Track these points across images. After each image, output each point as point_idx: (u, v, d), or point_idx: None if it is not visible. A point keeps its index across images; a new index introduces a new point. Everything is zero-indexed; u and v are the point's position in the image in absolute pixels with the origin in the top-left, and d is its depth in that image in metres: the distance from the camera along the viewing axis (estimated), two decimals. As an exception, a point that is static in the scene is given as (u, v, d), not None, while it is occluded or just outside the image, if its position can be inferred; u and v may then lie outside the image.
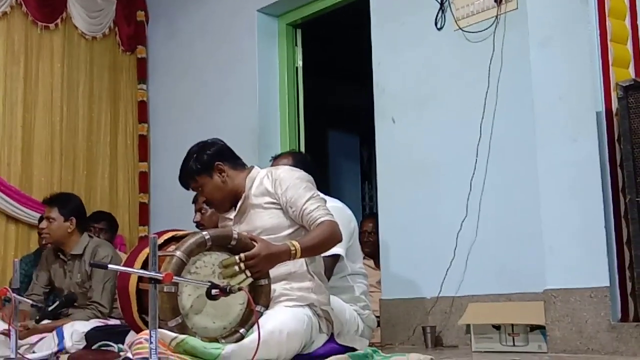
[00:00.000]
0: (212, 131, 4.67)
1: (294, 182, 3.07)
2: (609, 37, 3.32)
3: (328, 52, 6.64)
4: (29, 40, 5.86)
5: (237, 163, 3.23)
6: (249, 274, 2.78)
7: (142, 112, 6.45)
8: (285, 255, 2.86)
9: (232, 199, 3.18)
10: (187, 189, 3.23)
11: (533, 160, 3.48)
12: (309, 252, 2.96)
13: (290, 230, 3.07)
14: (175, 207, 5.64)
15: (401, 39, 4.56)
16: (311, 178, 3.17)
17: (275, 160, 3.97)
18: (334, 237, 3.02)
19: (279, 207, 3.08)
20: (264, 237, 2.95)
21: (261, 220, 3.07)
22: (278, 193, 3.07)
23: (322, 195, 3.17)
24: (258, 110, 5.47)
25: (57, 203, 4.30)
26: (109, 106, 6.31)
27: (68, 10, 6.07)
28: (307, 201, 3.02)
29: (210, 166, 3.15)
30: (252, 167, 3.25)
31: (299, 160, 3.86)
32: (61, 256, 4.31)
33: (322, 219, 2.99)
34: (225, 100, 5.74)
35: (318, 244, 2.98)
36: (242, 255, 2.78)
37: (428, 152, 4.34)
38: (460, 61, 4.25)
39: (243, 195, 3.13)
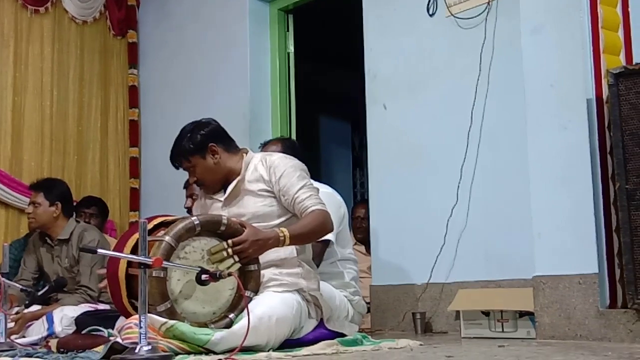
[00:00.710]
0: (203, 116, 4.65)
1: (288, 170, 3.08)
2: (600, 24, 3.32)
3: (320, 38, 6.62)
4: (19, 24, 5.80)
5: (230, 145, 3.22)
6: (237, 259, 2.79)
7: (133, 97, 6.41)
8: (274, 241, 2.87)
9: (223, 180, 3.17)
10: (178, 168, 3.22)
11: (523, 147, 3.48)
12: (298, 239, 2.96)
13: (281, 219, 3.07)
14: (166, 193, 5.64)
15: (393, 25, 4.56)
16: (305, 167, 3.18)
17: (264, 146, 3.97)
18: (324, 226, 3.04)
19: (272, 194, 3.08)
20: (254, 224, 2.96)
21: (253, 206, 3.08)
22: (272, 181, 3.07)
23: (315, 183, 3.18)
24: (249, 95, 5.46)
25: (42, 188, 4.30)
26: (99, 91, 6.27)
27: (58, -6, 6.04)
28: (299, 190, 3.03)
29: (203, 147, 3.13)
30: (246, 150, 3.24)
31: (288, 147, 3.87)
32: (48, 241, 4.31)
33: (313, 208, 3.00)
34: (217, 85, 5.72)
35: (307, 232, 2.99)
36: (230, 240, 2.78)
37: (419, 139, 4.34)
38: (452, 48, 4.25)
39: (237, 178, 3.13)
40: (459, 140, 4.09)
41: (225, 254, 2.77)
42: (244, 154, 3.21)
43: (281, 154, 3.24)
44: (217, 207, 3.16)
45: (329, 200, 3.33)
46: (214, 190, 3.21)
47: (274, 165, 3.10)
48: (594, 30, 3.30)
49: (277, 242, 2.89)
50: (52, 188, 4.33)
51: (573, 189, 3.24)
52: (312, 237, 3.08)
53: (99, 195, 5.77)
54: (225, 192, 3.17)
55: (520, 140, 3.56)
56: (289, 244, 2.93)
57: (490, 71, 4.03)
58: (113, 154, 6.29)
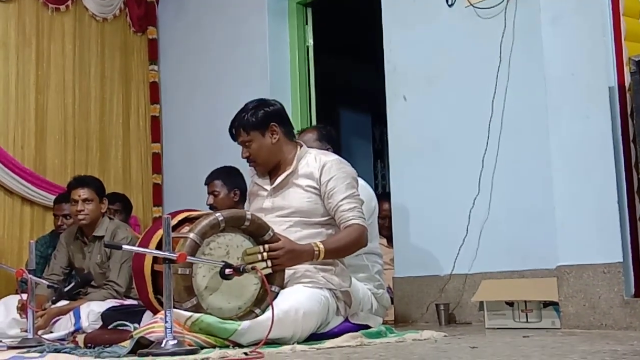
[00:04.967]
0: (224, 111, 4.66)
1: (339, 174, 3.09)
2: (621, 12, 3.29)
3: (339, 31, 6.61)
4: (40, 23, 5.87)
5: (289, 131, 3.23)
6: (269, 264, 2.81)
7: (154, 93, 6.46)
8: (308, 255, 2.91)
9: (274, 164, 3.18)
10: (235, 140, 3.20)
11: (545, 137, 3.46)
12: (332, 254, 2.99)
13: (324, 218, 3.10)
14: (188, 188, 5.67)
15: (412, 17, 4.54)
16: (355, 175, 3.19)
17: (300, 134, 3.91)
18: (359, 242, 3.06)
19: (318, 193, 3.09)
20: (297, 218, 3.03)
21: (298, 201, 3.09)
22: (322, 180, 3.08)
23: (361, 195, 3.17)
24: (269, 89, 5.46)
25: (90, 184, 4.28)
26: (120, 87, 6.32)
27: (78, -8, 6.09)
28: (344, 198, 3.05)
29: (265, 124, 3.13)
30: (301, 143, 3.25)
31: (323, 135, 3.87)
32: (81, 238, 4.32)
33: (353, 222, 3.02)
34: (237, 79, 5.73)
35: (342, 247, 3.03)
36: (266, 245, 2.82)
37: (440, 130, 4.33)
38: (472, 38, 4.23)
39: (289, 170, 3.13)
40: (480, 131, 4.08)
41: (259, 257, 2.80)
42: (299, 147, 3.22)
43: (337, 158, 3.21)
44: (263, 196, 3.18)
45: (362, 192, 3.32)
46: (263, 170, 3.21)
47: (327, 166, 3.11)
48: (615, 17, 3.28)
49: (311, 257, 2.92)
50: (97, 184, 4.33)
51: (596, 178, 3.22)
52: (346, 252, 3.10)
53: (122, 191, 5.81)
54: (271, 179, 3.18)
55: (542, 130, 3.54)
56: (323, 258, 2.95)
57: (510, 61, 4.01)
58: (135, 150, 6.34)
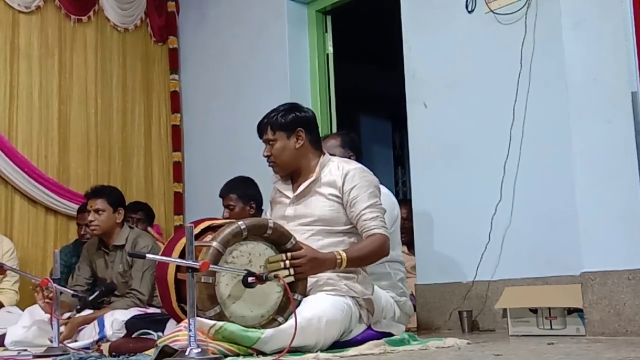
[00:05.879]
0: (244, 119, 4.71)
1: (361, 183, 3.10)
2: (643, 16, 3.27)
3: (358, 38, 6.62)
4: (63, 34, 5.93)
5: (316, 140, 3.25)
6: (292, 272, 2.82)
7: (175, 102, 6.50)
8: (330, 263, 2.92)
9: (294, 169, 3.20)
10: (260, 137, 3.23)
11: (567, 143, 3.45)
12: (354, 262, 3.00)
13: (345, 227, 3.11)
14: (209, 196, 5.66)
15: (432, 23, 4.54)
16: (378, 184, 3.19)
17: (323, 141, 3.91)
18: (382, 251, 3.07)
19: (340, 201, 3.10)
20: (319, 227, 3.04)
21: (321, 210, 3.11)
22: (344, 189, 3.10)
23: (384, 203, 3.18)
24: (290, 97, 5.45)
25: (104, 194, 4.30)
26: (142, 97, 6.37)
27: (100, 3, 6.14)
28: (366, 207, 3.06)
29: (292, 127, 3.16)
30: (324, 152, 3.27)
31: (346, 142, 3.87)
32: (103, 248, 4.35)
33: (375, 231, 3.03)
34: (257, 88, 5.75)
35: (364, 256, 3.03)
36: (288, 254, 2.83)
37: (461, 137, 4.32)
38: (492, 44, 4.22)
39: (312, 178, 3.15)
40: (502, 137, 4.06)
41: (282, 265, 2.81)
42: (322, 155, 3.23)
43: (360, 166, 3.22)
44: (285, 203, 3.20)
45: (385, 200, 3.32)
46: (283, 173, 3.23)
47: (350, 175, 3.12)
48: (637, 22, 3.25)
49: (334, 265, 2.93)
50: (112, 194, 4.36)
51: (619, 184, 3.20)
52: (368, 261, 3.11)
53: (144, 199, 5.85)
54: (293, 187, 3.20)
55: (564, 136, 3.52)
56: (345, 267, 2.95)
57: (531, 66, 4.00)
58: (157, 159, 6.38)
